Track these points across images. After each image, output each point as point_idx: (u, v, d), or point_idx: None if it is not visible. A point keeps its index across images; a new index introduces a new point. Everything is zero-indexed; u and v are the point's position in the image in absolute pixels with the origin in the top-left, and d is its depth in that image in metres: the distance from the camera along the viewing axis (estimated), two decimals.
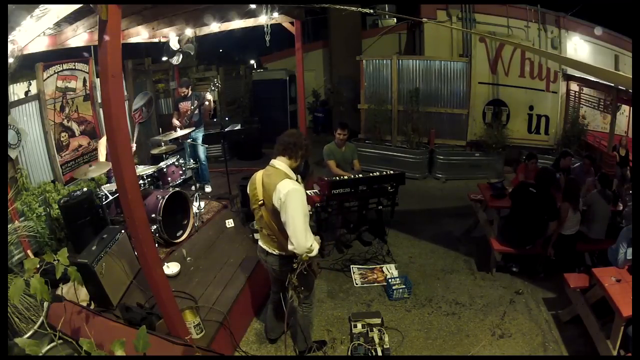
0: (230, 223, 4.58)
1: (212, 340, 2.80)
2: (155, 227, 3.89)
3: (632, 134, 5.25)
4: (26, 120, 4.24)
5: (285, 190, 2.35)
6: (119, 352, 1.45)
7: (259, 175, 2.59)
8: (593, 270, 3.15)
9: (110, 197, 3.86)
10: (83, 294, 3.01)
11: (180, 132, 5.07)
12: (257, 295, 3.59)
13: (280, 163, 2.53)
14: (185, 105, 5.40)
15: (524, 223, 3.97)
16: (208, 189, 5.64)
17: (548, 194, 3.91)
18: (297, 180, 2.53)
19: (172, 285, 2.91)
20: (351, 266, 4.35)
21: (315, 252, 2.42)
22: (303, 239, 2.33)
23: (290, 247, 2.38)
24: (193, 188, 5.19)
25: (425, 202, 6.33)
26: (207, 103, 5.34)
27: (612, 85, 5.77)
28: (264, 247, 2.67)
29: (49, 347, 2.31)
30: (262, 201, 2.52)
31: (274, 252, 2.61)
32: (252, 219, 3.99)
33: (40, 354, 1.90)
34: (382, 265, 4.38)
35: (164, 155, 4.91)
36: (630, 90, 4.52)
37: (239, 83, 9.37)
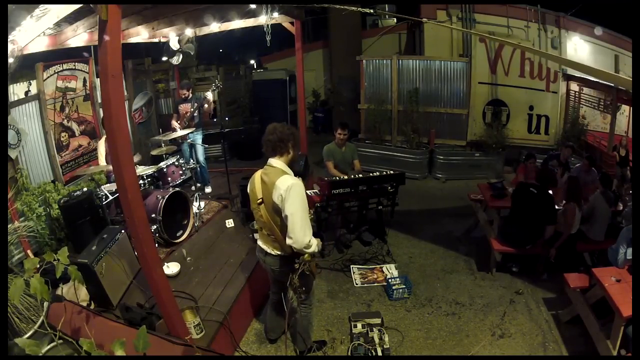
0: (230, 223, 4.58)
1: (212, 340, 2.80)
2: (155, 227, 3.89)
3: (632, 134, 5.24)
4: (26, 120, 4.24)
5: (285, 185, 2.35)
6: (119, 352, 1.45)
7: (258, 175, 2.60)
8: (593, 270, 3.14)
9: (110, 197, 3.86)
10: (83, 294, 3.01)
11: (179, 132, 5.07)
12: (257, 295, 3.59)
13: (276, 161, 2.53)
14: (185, 107, 5.40)
15: (523, 223, 3.97)
16: (208, 189, 5.63)
17: (548, 196, 3.91)
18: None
19: (172, 285, 2.91)
20: (351, 266, 4.35)
21: (313, 249, 2.41)
22: (301, 234, 2.33)
23: (288, 241, 2.37)
24: (193, 188, 5.19)
25: (425, 202, 6.33)
26: (206, 106, 5.32)
27: (612, 85, 5.77)
28: (263, 247, 2.67)
29: (49, 347, 2.30)
30: (260, 199, 2.52)
31: (273, 253, 2.61)
32: (252, 219, 3.99)
33: (40, 354, 1.89)
34: (382, 265, 4.38)
35: (164, 156, 4.91)
36: (631, 91, 4.52)
37: (239, 83, 9.36)
